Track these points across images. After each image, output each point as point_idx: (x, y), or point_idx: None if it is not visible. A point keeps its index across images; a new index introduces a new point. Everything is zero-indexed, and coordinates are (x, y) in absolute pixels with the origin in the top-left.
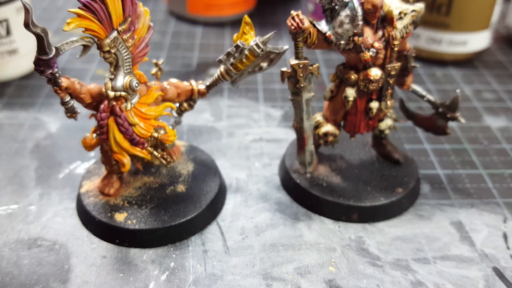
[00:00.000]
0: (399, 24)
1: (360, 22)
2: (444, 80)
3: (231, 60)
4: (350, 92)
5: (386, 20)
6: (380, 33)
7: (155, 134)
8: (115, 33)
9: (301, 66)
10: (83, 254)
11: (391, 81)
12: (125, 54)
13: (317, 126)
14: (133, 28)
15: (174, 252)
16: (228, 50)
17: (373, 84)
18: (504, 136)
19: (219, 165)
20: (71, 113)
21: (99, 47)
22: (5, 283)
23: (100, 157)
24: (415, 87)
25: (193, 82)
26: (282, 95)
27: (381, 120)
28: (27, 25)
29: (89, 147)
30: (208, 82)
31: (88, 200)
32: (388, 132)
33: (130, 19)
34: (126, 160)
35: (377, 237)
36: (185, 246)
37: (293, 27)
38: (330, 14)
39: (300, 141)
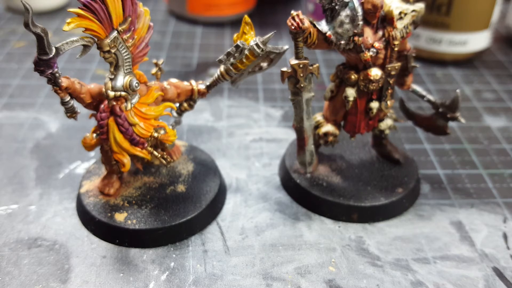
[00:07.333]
0: (399, 24)
1: (360, 22)
2: (444, 80)
3: (231, 60)
4: (350, 92)
5: (386, 20)
6: (380, 33)
7: (155, 134)
8: (115, 33)
9: (301, 66)
10: (83, 254)
11: (391, 81)
12: (125, 54)
13: (317, 126)
14: (133, 28)
15: (174, 252)
16: (228, 50)
17: (373, 84)
18: (504, 136)
19: (219, 165)
20: (71, 113)
21: (99, 47)
22: (5, 283)
23: (100, 157)
24: (415, 87)
25: (193, 82)
26: (282, 95)
27: (381, 120)
28: (27, 25)
29: (89, 147)
30: (208, 82)
31: (88, 200)
32: (388, 132)
33: (130, 19)
34: (126, 160)
35: (377, 237)
36: (185, 246)
37: (293, 27)
38: (330, 14)
39: (300, 141)
